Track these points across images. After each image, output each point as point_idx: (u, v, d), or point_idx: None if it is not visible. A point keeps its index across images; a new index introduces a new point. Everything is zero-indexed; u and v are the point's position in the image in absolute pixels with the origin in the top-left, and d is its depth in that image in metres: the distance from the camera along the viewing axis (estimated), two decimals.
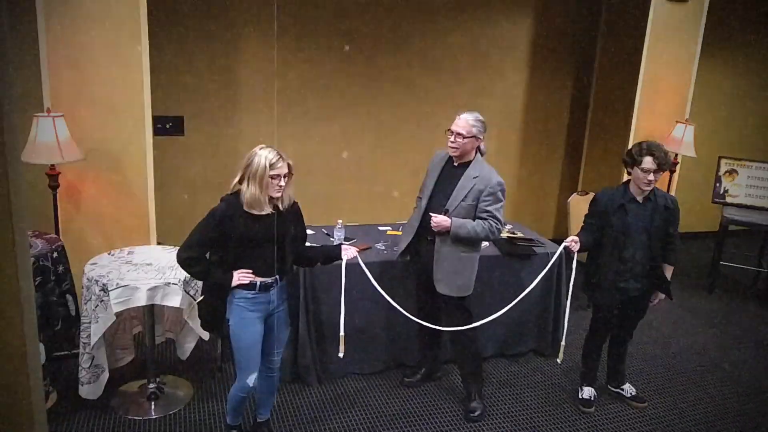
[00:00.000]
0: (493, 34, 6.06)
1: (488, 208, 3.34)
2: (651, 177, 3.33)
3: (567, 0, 6.26)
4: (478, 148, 3.42)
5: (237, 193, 2.77)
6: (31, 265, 3.17)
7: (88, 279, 3.17)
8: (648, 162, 3.32)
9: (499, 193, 3.38)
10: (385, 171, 6.01)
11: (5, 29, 1.16)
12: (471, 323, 3.47)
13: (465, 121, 3.33)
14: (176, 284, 3.15)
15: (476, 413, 3.60)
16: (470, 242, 3.41)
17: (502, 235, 4.38)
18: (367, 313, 3.81)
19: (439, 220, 3.31)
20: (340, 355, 3.09)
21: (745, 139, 7.29)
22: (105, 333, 3.18)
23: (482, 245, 3.53)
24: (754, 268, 6.08)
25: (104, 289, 3.08)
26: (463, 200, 3.34)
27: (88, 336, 3.15)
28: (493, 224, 3.35)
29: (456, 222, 3.32)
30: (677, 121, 5.53)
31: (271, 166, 2.68)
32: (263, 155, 2.68)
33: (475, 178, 3.35)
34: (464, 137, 3.32)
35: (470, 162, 3.40)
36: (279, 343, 3.03)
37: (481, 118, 3.37)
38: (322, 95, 5.60)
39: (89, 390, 3.25)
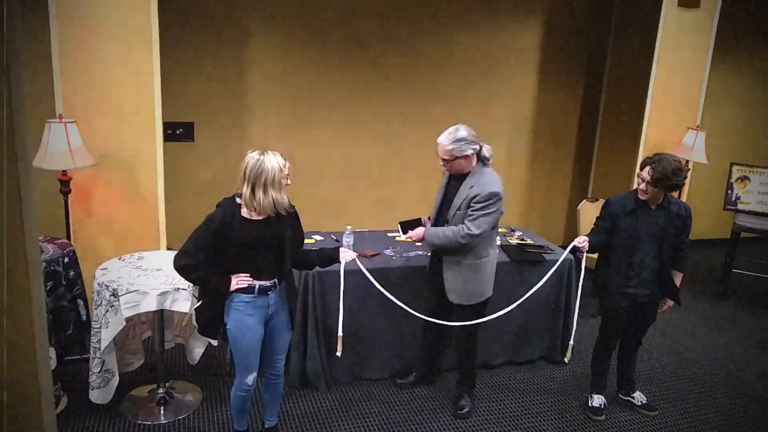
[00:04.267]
0: (502, 38, 6.06)
1: (471, 213, 3.26)
2: (643, 186, 3.37)
3: (577, 5, 6.25)
4: (479, 156, 3.33)
5: (233, 198, 2.78)
6: (42, 269, 3.20)
7: (98, 284, 3.19)
8: (644, 172, 3.35)
9: (487, 203, 3.24)
10: (395, 177, 6.01)
11: (18, 36, 1.17)
12: (477, 327, 3.51)
13: (442, 147, 3.26)
14: (185, 289, 3.16)
15: (465, 410, 3.66)
16: (465, 250, 3.34)
17: (511, 241, 4.38)
18: (376, 320, 3.81)
19: (414, 232, 3.43)
20: (338, 354, 3.13)
21: (757, 146, 7.24)
22: (115, 338, 3.20)
23: (492, 253, 3.48)
24: (766, 275, 6.02)
25: (114, 294, 3.10)
26: (458, 209, 3.32)
27: (99, 341, 3.17)
28: (463, 228, 3.24)
29: (429, 231, 3.40)
30: (688, 128, 5.50)
31: (283, 167, 2.72)
32: (273, 160, 2.70)
33: (471, 187, 3.29)
34: (449, 161, 3.30)
35: (468, 173, 3.35)
36: (281, 348, 3.04)
37: (460, 135, 3.23)
38: (330, 101, 5.62)
39: (99, 394, 3.27)
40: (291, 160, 2.84)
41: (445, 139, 3.26)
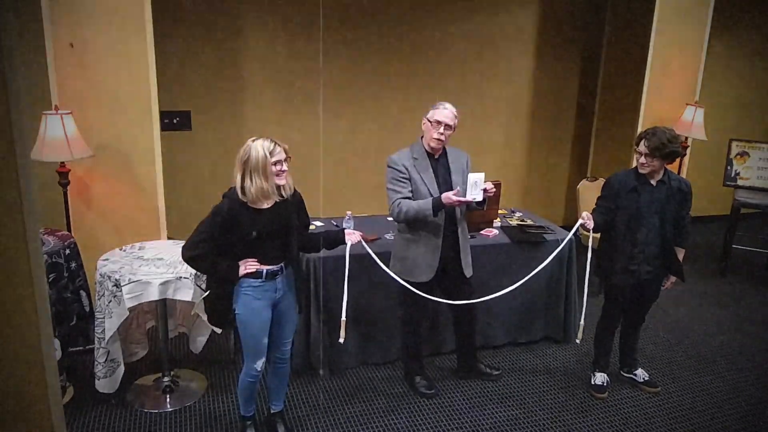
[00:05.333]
0: (498, 19, 6.01)
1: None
2: (642, 160, 3.39)
3: None
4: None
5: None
6: (44, 262, 3.21)
7: (100, 275, 3.20)
8: (641, 146, 3.38)
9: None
10: None
11: (12, 27, 1.16)
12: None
13: (452, 113, 3.31)
14: (188, 278, 3.17)
15: (499, 371, 3.87)
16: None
17: (511, 222, 4.38)
18: (378, 303, 3.82)
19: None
20: (341, 340, 3.13)
21: (756, 121, 7.22)
22: (119, 328, 3.21)
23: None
24: (766, 251, 6.03)
25: (117, 285, 3.10)
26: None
27: (103, 331, 3.18)
28: None
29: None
30: (687, 104, 5.48)
31: (270, 153, 2.70)
32: (259, 146, 2.71)
33: (459, 160, 3.46)
34: (452, 129, 3.32)
35: (444, 149, 3.44)
36: (288, 332, 3.07)
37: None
38: (327, 87, 5.58)
39: (105, 384, 3.29)
40: (289, 146, 2.82)
41: (453, 107, 3.33)
